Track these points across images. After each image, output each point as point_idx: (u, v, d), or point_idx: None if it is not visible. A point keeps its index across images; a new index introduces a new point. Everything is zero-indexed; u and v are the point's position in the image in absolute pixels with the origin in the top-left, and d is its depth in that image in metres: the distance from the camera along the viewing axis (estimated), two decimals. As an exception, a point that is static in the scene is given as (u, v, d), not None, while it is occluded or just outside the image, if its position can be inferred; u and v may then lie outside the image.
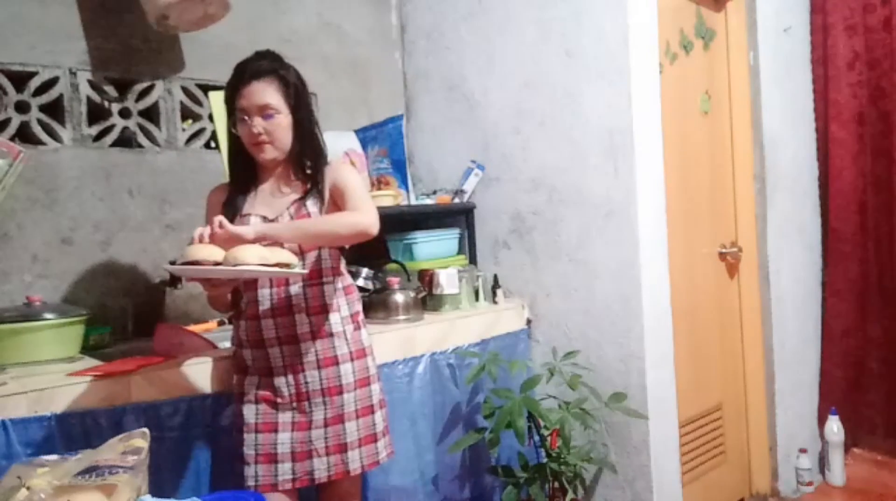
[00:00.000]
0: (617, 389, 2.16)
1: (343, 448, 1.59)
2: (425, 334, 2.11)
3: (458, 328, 2.20)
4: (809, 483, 2.74)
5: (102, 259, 2.05)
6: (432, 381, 2.09)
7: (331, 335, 1.61)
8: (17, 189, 1.86)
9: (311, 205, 1.60)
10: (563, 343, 2.31)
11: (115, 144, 2.11)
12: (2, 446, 1.40)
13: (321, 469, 1.57)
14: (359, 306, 1.70)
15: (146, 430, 1.30)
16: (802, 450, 2.75)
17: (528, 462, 2.13)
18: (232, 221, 1.54)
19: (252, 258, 1.37)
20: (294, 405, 1.59)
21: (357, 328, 1.67)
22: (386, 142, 2.58)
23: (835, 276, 2.95)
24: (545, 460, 2.10)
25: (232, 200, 1.64)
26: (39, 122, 1.99)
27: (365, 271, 2.32)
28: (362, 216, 1.55)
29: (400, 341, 2.04)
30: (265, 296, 1.59)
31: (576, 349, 2.22)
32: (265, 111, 1.55)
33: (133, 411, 1.56)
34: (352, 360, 1.63)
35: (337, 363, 1.61)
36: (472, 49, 2.57)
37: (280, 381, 1.59)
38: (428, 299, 2.31)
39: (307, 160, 1.63)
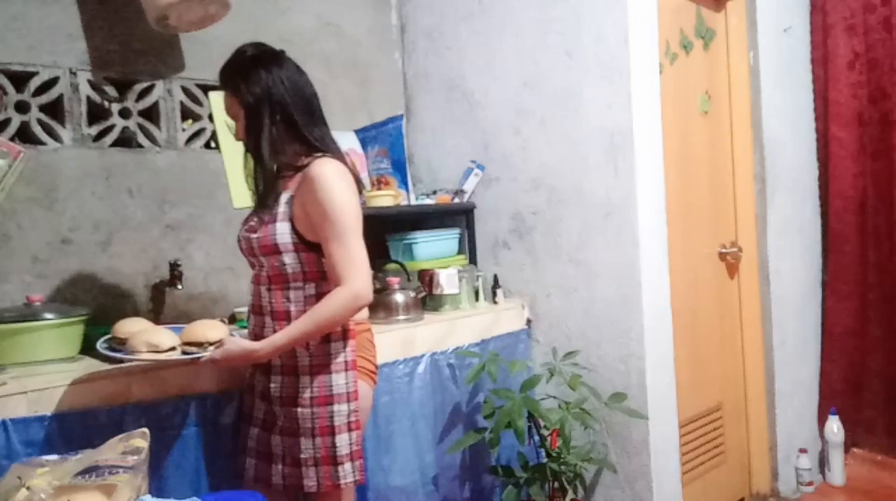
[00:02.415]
0: (617, 389, 2.16)
1: (297, 463, 1.51)
2: (425, 334, 2.11)
3: (458, 328, 2.20)
4: (809, 483, 2.74)
5: (102, 259, 2.05)
6: (432, 381, 2.09)
7: None
8: (17, 189, 1.86)
9: (266, 214, 1.53)
10: (563, 343, 2.31)
11: (115, 144, 2.11)
12: (2, 446, 1.40)
13: (277, 476, 1.54)
14: None
15: (146, 430, 1.30)
16: (802, 450, 2.75)
17: (528, 462, 2.13)
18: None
19: (141, 347, 1.41)
20: (263, 405, 1.58)
21: (327, 339, 1.51)
22: (386, 142, 2.58)
23: (835, 276, 2.95)
24: (545, 460, 2.10)
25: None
26: (39, 122, 1.99)
27: (365, 271, 2.32)
28: (349, 288, 1.43)
29: (400, 341, 2.04)
30: (251, 294, 1.61)
31: (576, 349, 2.22)
32: (232, 116, 1.59)
33: (133, 411, 1.56)
34: (311, 374, 1.51)
35: (296, 374, 1.52)
36: (472, 49, 2.57)
37: (259, 378, 1.60)
38: (428, 299, 2.31)
39: (255, 164, 1.56)
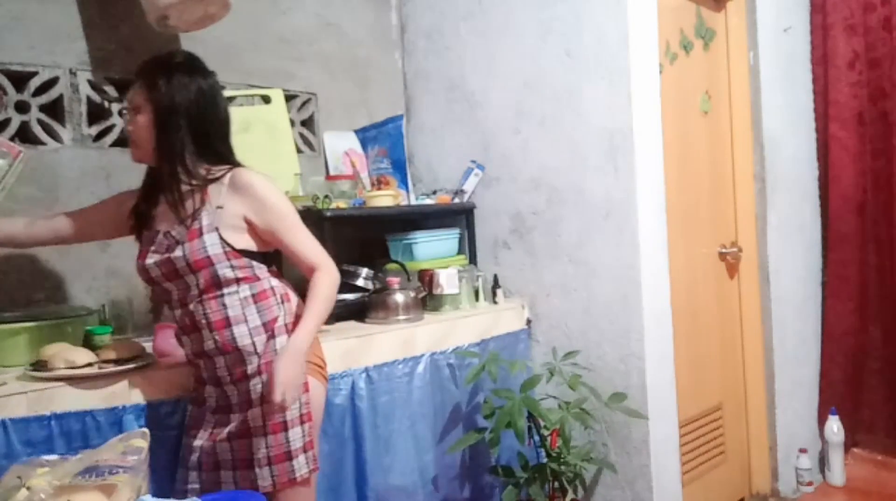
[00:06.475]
0: (617, 389, 2.16)
1: (250, 465, 1.50)
2: (425, 334, 2.11)
3: (458, 328, 2.20)
4: (809, 483, 2.74)
5: (102, 259, 2.05)
6: (432, 381, 2.09)
7: (237, 348, 1.50)
8: (17, 189, 1.85)
9: (181, 230, 1.51)
10: (563, 343, 2.31)
11: (115, 144, 2.11)
12: (2, 446, 1.40)
13: (228, 483, 1.52)
14: (278, 312, 1.54)
15: (146, 430, 1.30)
16: (802, 450, 2.75)
17: (528, 462, 2.13)
18: (140, 233, 1.60)
19: (59, 364, 1.52)
20: (217, 417, 1.55)
21: (272, 336, 1.52)
22: (386, 142, 2.58)
23: (835, 276, 2.95)
24: (545, 460, 2.10)
25: (139, 209, 1.60)
26: (39, 122, 1.99)
27: (365, 271, 2.32)
28: (329, 270, 1.54)
29: (400, 341, 2.04)
30: (176, 314, 1.57)
31: (576, 349, 2.22)
32: (131, 108, 1.54)
33: (133, 411, 1.56)
34: (260, 373, 1.51)
35: (247, 378, 1.51)
36: (472, 49, 2.57)
37: (209, 390, 1.57)
38: (428, 299, 2.31)
39: (163, 170, 1.52)
